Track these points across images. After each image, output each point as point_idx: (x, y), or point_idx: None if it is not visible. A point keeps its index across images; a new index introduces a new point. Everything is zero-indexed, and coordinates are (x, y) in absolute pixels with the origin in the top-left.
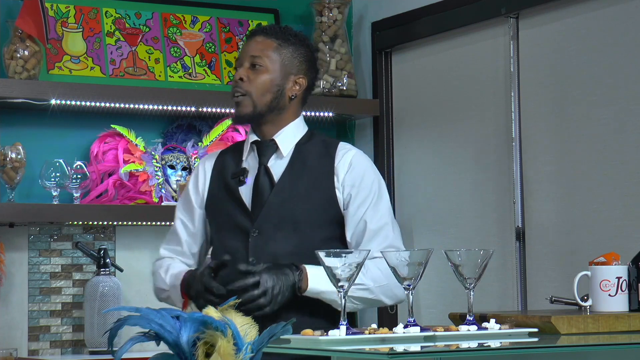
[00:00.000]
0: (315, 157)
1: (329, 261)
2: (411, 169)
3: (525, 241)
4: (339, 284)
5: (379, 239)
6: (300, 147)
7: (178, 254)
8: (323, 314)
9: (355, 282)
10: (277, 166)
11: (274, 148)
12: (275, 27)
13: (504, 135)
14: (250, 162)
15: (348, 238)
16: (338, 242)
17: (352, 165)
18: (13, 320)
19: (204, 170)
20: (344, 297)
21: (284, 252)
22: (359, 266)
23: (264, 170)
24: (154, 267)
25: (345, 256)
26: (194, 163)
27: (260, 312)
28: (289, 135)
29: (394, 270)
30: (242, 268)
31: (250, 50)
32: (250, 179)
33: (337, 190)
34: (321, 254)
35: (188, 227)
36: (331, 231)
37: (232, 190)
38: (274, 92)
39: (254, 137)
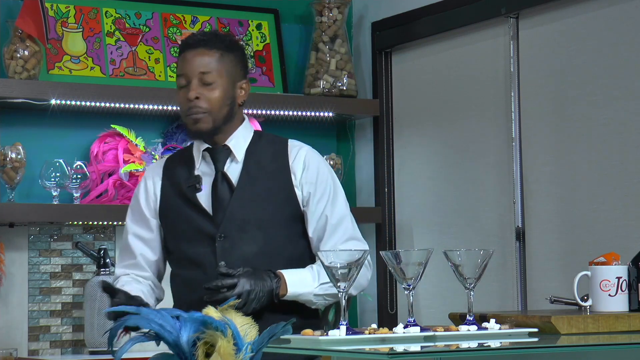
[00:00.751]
0: (268, 158)
1: (329, 262)
2: (411, 169)
3: (525, 241)
4: (338, 284)
5: (339, 233)
6: (251, 148)
7: (132, 268)
8: (297, 312)
9: (327, 280)
10: (233, 170)
11: (228, 153)
12: (210, 36)
13: (504, 135)
14: (202, 169)
15: (310, 234)
16: (302, 238)
17: (307, 163)
18: (13, 320)
19: (152, 181)
20: (345, 296)
21: (251, 252)
22: (359, 265)
23: (221, 176)
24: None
25: (344, 256)
26: None
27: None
28: (240, 140)
29: (394, 270)
30: (223, 270)
31: (198, 65)
32: (205, 186)
33: (295, 189)
34: (320, 255)
35: (143, 237)
36: (294, 228)
37: (189, 199)
38: (228, 104)
39: (204, 145)
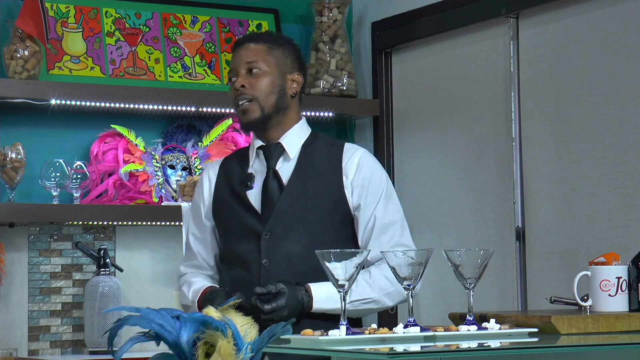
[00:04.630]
0: (322, 158)
1: (329, 262)
2: (411, 169)
3: (525, 241)
4: (340, 284)
5: (386, 237)
6: (306, 148)
7: (197, 268)
8: (323, 318)
9: (361, 296)
10: (285, 168)
11: (281, 151)
12: (259, 33)
13: (504, 135)
14: (256, 167)
15: (359, 237)
16: (349, 241)
17: (361, 166)
18: (13, 320)
19: (208, 179)
20: (344, 297)
21: (295, 252)
22: (359, 266)
23: (272, 173)
24: (178, 284)
25: (345, 257)
26: (194, 163)
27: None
28: (294, 138)
29: (393, 270)
30: (258, 291)
31: (244, 57)
32: (257, 184)
33: (346, 190)
34: (320, 255)
35: (199, 239)
36: (343, 231)
37: (239, 196)
38: (276, 92)
39: (259, 143)
